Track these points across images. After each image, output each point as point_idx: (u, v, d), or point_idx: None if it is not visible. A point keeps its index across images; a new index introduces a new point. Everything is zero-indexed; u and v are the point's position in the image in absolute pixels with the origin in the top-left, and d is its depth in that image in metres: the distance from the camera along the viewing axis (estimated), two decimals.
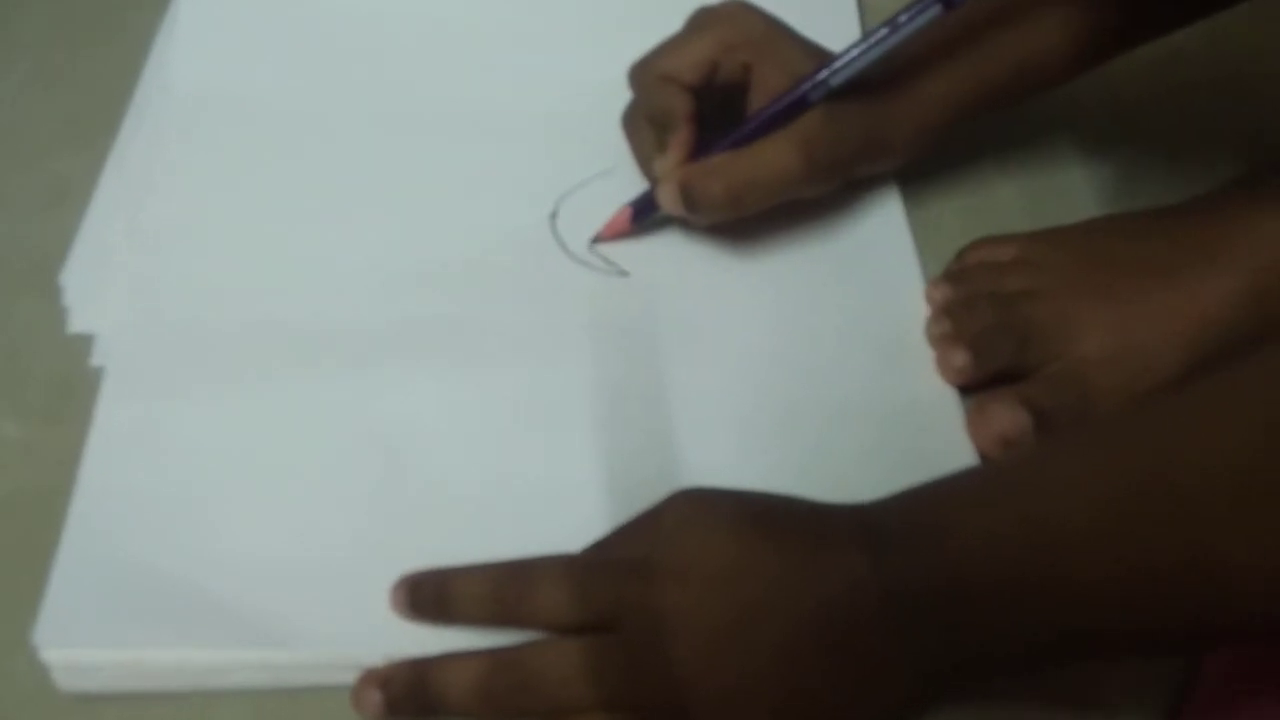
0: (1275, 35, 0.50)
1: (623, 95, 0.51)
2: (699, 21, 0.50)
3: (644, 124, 0.50)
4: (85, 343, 0.46)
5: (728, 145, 0.48)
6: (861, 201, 0.52)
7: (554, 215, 0.51)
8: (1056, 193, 0.54)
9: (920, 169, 0.53)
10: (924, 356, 0.48)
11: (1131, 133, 0.57)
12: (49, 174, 0.52)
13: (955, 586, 0.35)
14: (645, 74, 0.49)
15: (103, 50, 0.57)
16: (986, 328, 0.47)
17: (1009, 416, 0.44)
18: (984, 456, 0.45)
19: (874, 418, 0.46)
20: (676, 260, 0.50)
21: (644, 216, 0.50)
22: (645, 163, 0.50)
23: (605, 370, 0.46)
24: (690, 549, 0.37)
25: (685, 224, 0.50)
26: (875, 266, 0.50)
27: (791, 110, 0.47)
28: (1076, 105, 0.53)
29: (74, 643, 0.38)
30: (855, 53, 0.47)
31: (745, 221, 0.50)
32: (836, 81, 0.47)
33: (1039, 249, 0.49)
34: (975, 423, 0.45)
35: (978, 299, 0.48)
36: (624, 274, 0.50)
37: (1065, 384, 0.45)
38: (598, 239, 0.50)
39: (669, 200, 0.48)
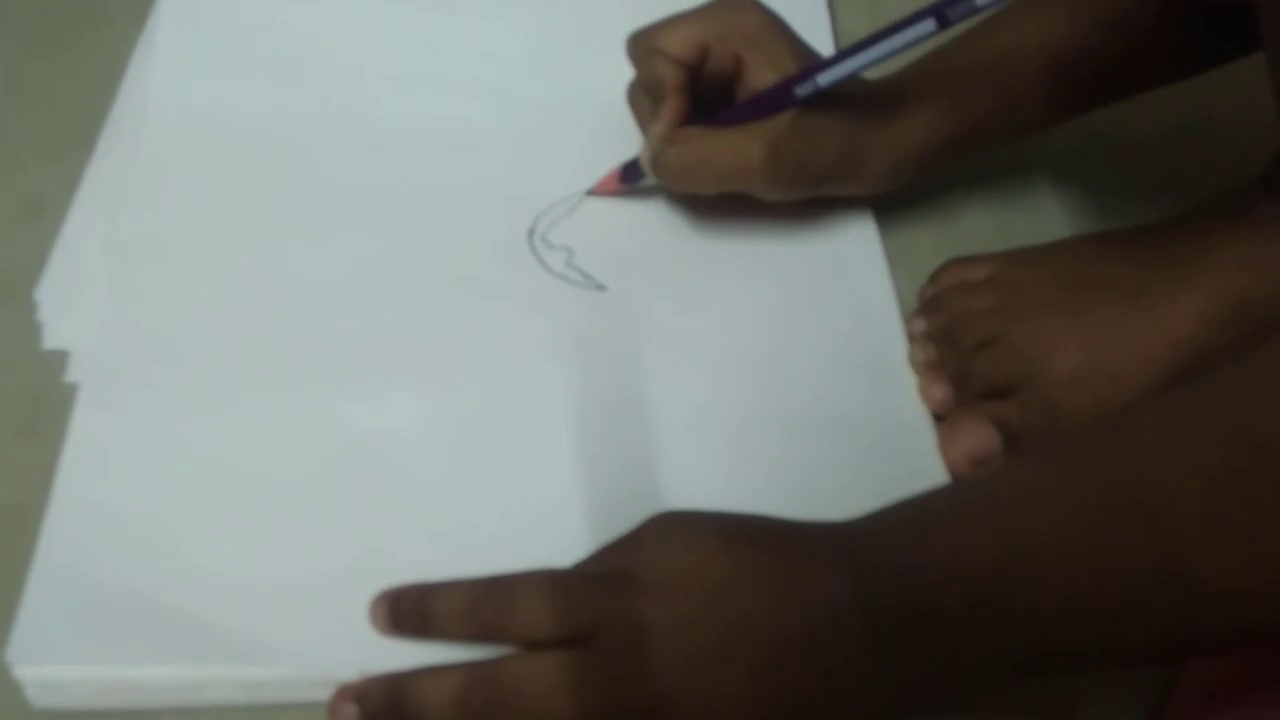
0: (1247, 58, 0.51)
1: (604, 115, 0.52)
2: (701, 6, 0.50)
3: (643, 95, 0.51)
4: (59, 358, 0.46)
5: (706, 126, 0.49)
6: (836, 221, 0.53)
7: (532, 231, 0.51)
8: (1028, 213, 0.54)
9: (894, 190, 0.53)
10: (896, 375, 0.48)
11: (1102, 154, 0.57)
12: (23, 188, 0.52)
13: (933, 607, 0.35)
14: (638, 45, 0.50)
15: (77, 63, 0.57)
16: (962, 355, 0.47)
17: (978, 435, 0.45)
18: (954, 474, 0.45)
19: (847, 434, 0.46)
20: (654, 275, 0.50)
21: (630, 180, 0.51)
22: (644, 130, 0.51)
23: (583, 385, 0.46)
24: (670, 565, 0.37)
25: (672, 197, 0.52)
26: (850, 286, 0.51)
27: (773, 102, 0.48)
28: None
29: (47, 660, 0.38)
30: (845, 58, 0.47)
31: (724, 237, 0.51)
32: (825, 82, 0.47)
33: (1011, 269, 0.49)
34: (945, 441, 0.46)
35: (952, 326, 0.48)
36: (602, 288, 0.50)
37: (1035, 405, 0.46)
38: (592, 192, 0.52)
39: (644, 162, 0.50)
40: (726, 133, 0.48)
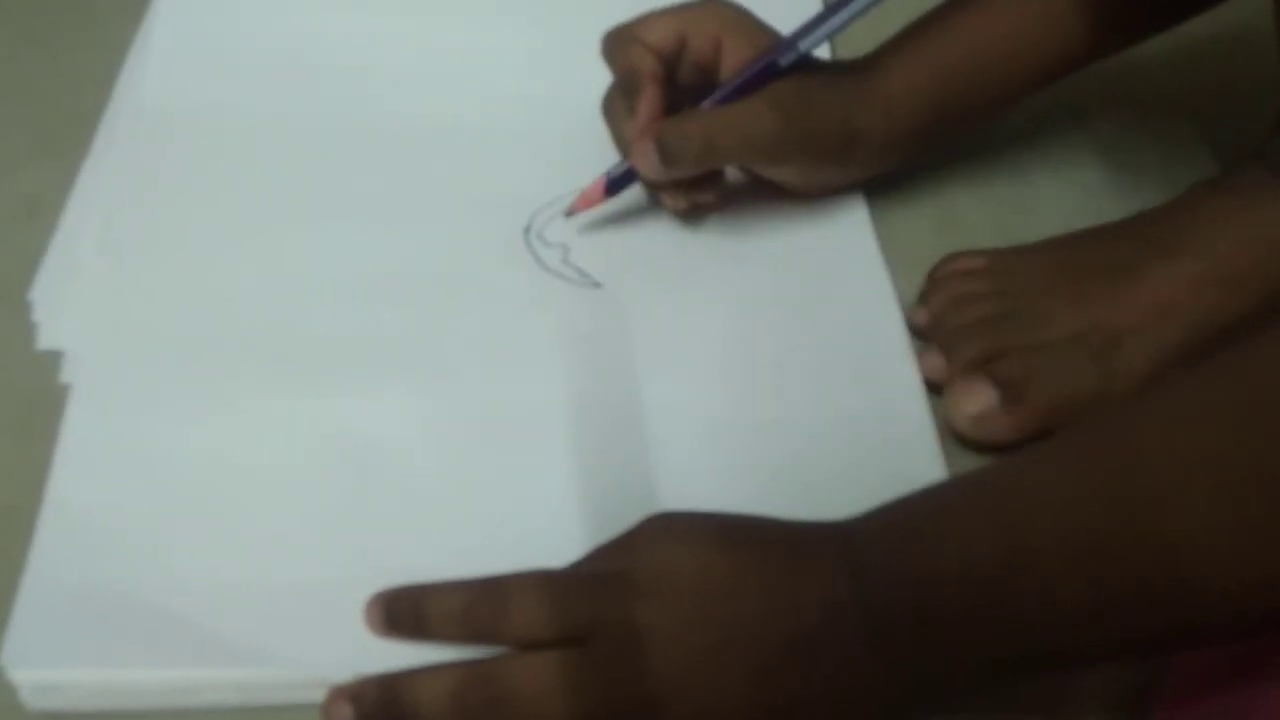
0: (1237, 50, 0.51)
1: (599, 113, 0.51)
2: (675, 4, 0.51)
3: (619, 104, 0.50)
4: (54, 359, 0.46)
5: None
6: (830, 216, 0.52)
7: (528, 228, 0.51)
8: (1023, 209, 0.54)
9: (886, 184, 0.53)
10: (894, 370, 0.48)
11: (1097, 149, 0.57)
12: (18, 188, 0.52)
13: (934, 607, 0.34)
14: (615, 38, 0.50)
15: (72, 63, 0.57)
16: (960, 330, 0.47)
17: (976, 395, 0.45)
18: (961, 436, 0.46)
19: (845, 430, 0.46)
20: (649, 272, 0.50)
21: (619, 188, 0.50)
22: (620, 140, 0.50)
23: (578, 383, 0.46)
24: (667, 564, 0.37)
25: (657, 203, 0.51)
26: (845, 282, 0.51)
27: (763, 76, 0.48)
28: (1042, 121, 0.53)
29: (41, 662, 0.38)
30: (822, 22, 0.47)
31: (719, 234, 0.51)
32: (806, 46, 0.48)
33: (1007, 259, 0.50)
34: (948, 405, 0.46)
35: (948, 309, 0.48)
36: (597, 285, 0.50)
37: (1034, 356, 0.46)
38: (572, 211, 0.50)
39: (644, 159, 0.48)
40: (730, 107, 0.48)
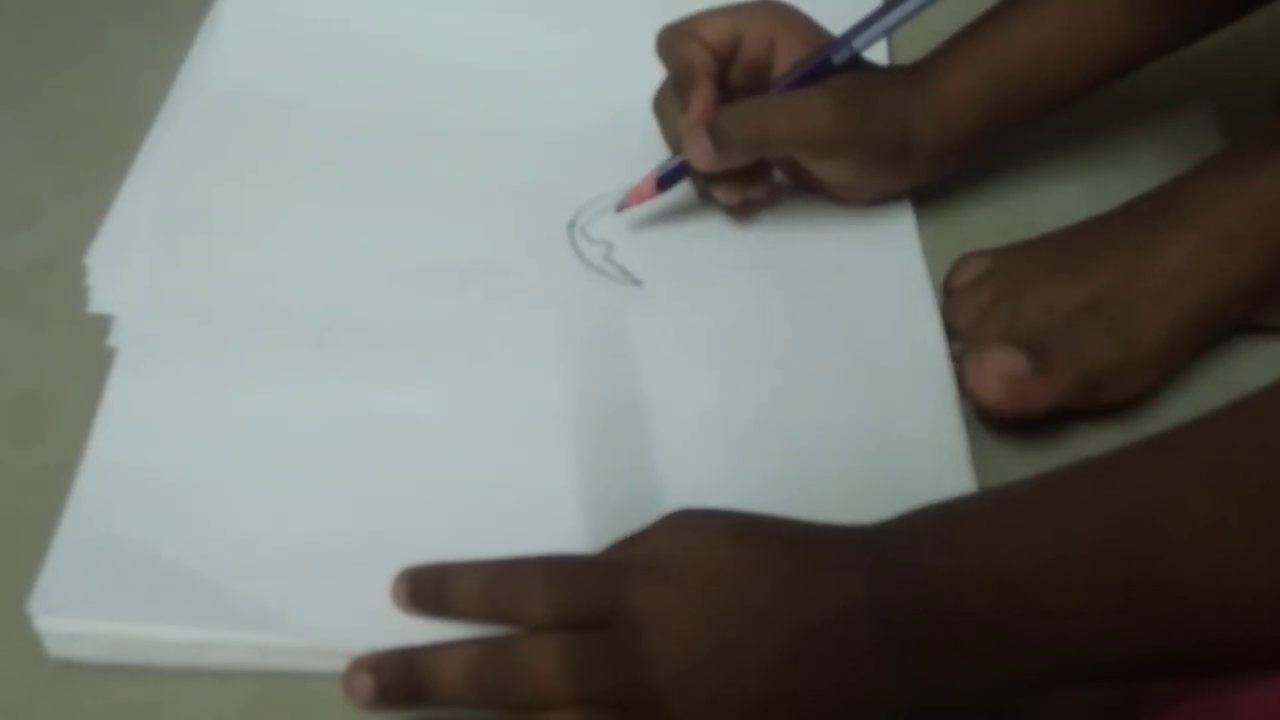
0: (1250, 50, 0.50)
1: (647, 113, 0.52)
2: (731, 3, 0.51)
3: (671, 100, 0.50)
4: (51, 365, 0.46)
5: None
6: (876, 224, 0.52)
7: (573, 224, 0.51)
8: (1025, 214, 0.53)
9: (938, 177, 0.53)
10: (931, 383, 0.47)
11: (1101, 154, 0.56)
12: (19, 193, 0.52)
13: (952, 611, 0.34)
14: (670, 33, 0.50)
15: (74, 70, 0.57)
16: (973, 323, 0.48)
17: (1005, 356, 0.45)
18: (987, 402, 0.45)
19: (877, 440, 0.45)
20: (691, 273, 0.50)
21: (670, 183, 0.50)
22: (672, 136, 0.51)
23: (612, 380, 0.46)
24: (682, 554, 0.37)
25: (707, 201, 0.51)
26: (887, 291, 0.50)
27: (817, 73, 0.48)
28: (1047, 124, 0.52)
29: (67, 612, 0.38)
30: (875, 17, 0.48)
31: (766, 238, 0.51)
32: (860, 45, 0.48)
33: (1012, 257, 0.50)
34: (974, 372, 0.46)
35: (977, 327, 0.48)
36: (638, 284, 0.50)
37: (1051, 329, 0.46)
38: (623, 206, 0.51)
39: (697, 147, 0.48)
40: (786, 96, 0.49)
